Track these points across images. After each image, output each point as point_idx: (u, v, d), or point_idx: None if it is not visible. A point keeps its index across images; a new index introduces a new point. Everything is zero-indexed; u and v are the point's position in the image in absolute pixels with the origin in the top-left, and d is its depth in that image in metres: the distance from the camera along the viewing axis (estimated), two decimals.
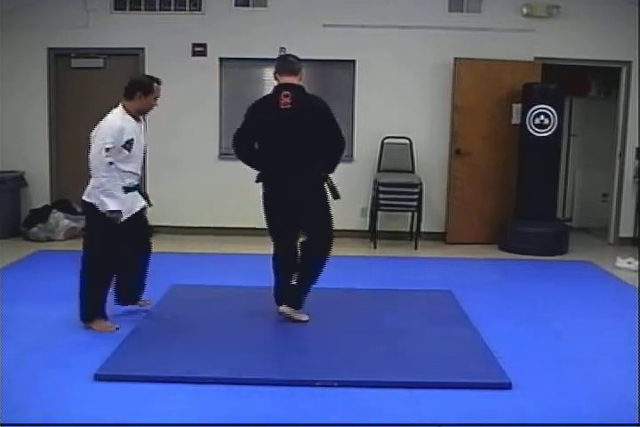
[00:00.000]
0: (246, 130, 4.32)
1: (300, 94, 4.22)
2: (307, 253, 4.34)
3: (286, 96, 4.14)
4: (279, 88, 4.24)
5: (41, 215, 7.04)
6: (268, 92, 4.47)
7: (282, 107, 4.14)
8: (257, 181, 4.34)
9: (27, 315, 4.47)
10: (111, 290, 4.34)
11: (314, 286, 4.56)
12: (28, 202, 7.41)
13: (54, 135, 7.47)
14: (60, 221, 7.04)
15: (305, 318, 4.38)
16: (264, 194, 4.35)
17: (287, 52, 7.03)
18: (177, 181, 7.44)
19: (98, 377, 3.46)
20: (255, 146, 4.32)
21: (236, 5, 7.23)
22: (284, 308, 4.36)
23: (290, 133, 4.16)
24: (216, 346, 3.93)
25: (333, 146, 4.29)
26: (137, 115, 4.29)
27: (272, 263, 4.48)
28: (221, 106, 7.44)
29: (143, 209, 4.36)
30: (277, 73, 4.32)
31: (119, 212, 4.07)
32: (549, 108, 6.81)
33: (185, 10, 7.24)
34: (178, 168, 7.40)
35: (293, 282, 4.37)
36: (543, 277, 6.00)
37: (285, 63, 4.33)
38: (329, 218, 4.33)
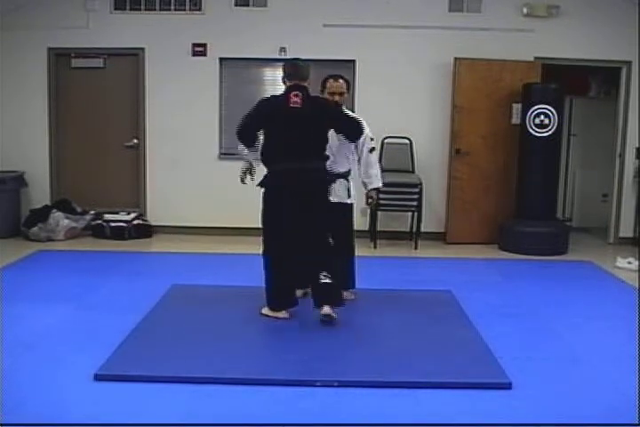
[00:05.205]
0: (251, 123, 4.33)
1: (307, 94, 4.31)
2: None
3: (296, 95, 4.24)
4: (289, 89, 4.31)
5: (41, 215, 7.04)
6: (275, 93, 4.52)
7: (291, 105, 4.23)
8: (260, 185, 4.33)
9: (27, 315, 4.47)
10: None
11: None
12: (27, 202, 7.41)
13: (54, 135, 7.48)
14: (60, 220, 7.04)
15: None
16: (270, 198, 4.33)
17: (287, 54, 7.14)
18: (177, 181, 7.44)
19: (98, 377, 3.45)
20: (259, 141, 4.35)
21: (236, 5, 7.24)
22: (327, 309, 4.25)
23: (301, 132, 4.25)
24: (216, 346, 3.93)
25: (354, 131, 4.47)
26: None
27: (271, 264, 4.40)
28: (221, 106, 7.44)
29: None
30: (287, 79, 4.36)
31: None
32: (549, 108, 6.81)
33: (185, 10, 7.25)
34: (178, 168, 7.41)
35: (326, 280, 4.24)
36: (543, 277, 6.00)
37: (297, 71, 4.35)
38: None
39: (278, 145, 4.31)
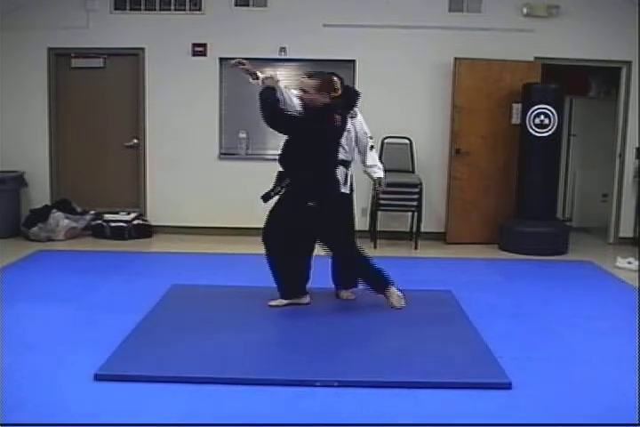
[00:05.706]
0: (297, 125, 4.51)
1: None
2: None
3: (338, 114, 4.52)
4: (332, 108, 4.49)
5: (41, 215, 7.04)
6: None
7: (335, 124, 4.51)
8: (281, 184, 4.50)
9: (27, 315, 4.47)
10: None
11: (311, 286, 4.59)
12: (28, 202, 7.41)
13: (54, 135, 7.48)
14: (60, 221, 7.04)
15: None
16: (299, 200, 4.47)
17: (287, 54, 7.17)
18: (177, 181, 7.44)
19: (98, 377, 3.45)
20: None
21: (236, 5, 7.24)
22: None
23: (336, 145, 4.66)
24: (216, 346, 3.92)
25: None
26: None
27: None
28: (221, 106, 7.44)
29: None
30: (320, 91, 4.45)
31: None
32: (549, 108, 6.81)
33: (185, 10, 7.25)
34: (178, 168, 7.41)
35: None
36: (543, 277, 6.00)
37: (331, 85, 4.52)
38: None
39: (320, 156, 4.55)
